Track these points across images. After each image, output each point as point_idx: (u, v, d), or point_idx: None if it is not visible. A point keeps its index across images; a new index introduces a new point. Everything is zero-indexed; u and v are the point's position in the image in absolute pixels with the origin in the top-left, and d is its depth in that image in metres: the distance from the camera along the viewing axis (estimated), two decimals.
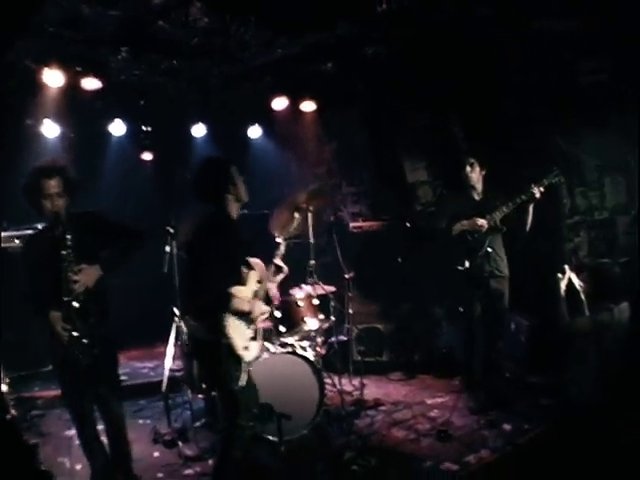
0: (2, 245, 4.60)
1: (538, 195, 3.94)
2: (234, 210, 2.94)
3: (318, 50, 4.80)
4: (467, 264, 4.02)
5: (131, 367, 5.55)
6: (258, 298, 3.00)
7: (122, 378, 5.10)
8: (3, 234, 4.71)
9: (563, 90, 4.50)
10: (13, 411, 3.35)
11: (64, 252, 2.95)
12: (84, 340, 2.92)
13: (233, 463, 2.89)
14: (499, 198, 4.17)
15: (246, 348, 2.84)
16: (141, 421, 4.43)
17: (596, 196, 4.71)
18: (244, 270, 2.94)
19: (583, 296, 3.76)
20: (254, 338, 2.95)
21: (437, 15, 4.08)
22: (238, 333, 2.82)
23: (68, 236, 2.96)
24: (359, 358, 4.75)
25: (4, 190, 3.71)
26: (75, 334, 2.92)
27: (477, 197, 4.31)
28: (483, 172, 4.28)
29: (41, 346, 3.29)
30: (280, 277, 3.17)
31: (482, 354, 4.21)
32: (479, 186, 4.30)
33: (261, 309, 2.97)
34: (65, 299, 2.93)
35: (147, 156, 5.66)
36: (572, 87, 4.45)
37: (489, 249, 4.10)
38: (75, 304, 2.94)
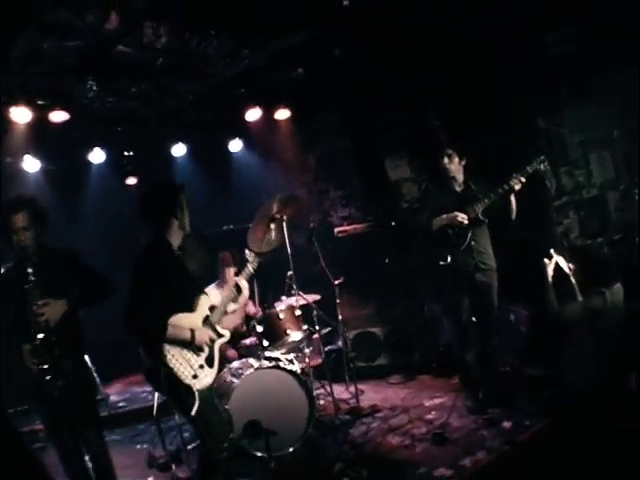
0: None
1: (519, 186, 3.78)
2: (175, 238, 2.88)
3: (286, 57, 4.74)
4: (449, 259, 3.89)
5: (131, 392, 5.56)
6: (213, 323, 2.92)
7: (121, 404, 5.22)
8: None
9: (536, 67, 4.33)
10: None
11: (28, 286, 2.95)
12: (52, 373, 2.92)
13: None
14: (482, 188, 4.02)
15: (195, 376, 2.73)
16: (138, 446, 4.43)
17: (582, 174, 4.52)
18: (196, 296, 2.88)
19: (574, 280, 3.60)
20: (207, 365, 2.83)
21: (396, 6, 3.98)
22: (183, 362, 2.73)
23: (31, 270, 2.96)
24: (353, 364, 4.62)
25: None
26: (44, 367, 2.92)
27: (458, 188, 4.16)
28: (463, 162, 4.13)
29: None
30: (242, 298, 3.09)
31: (477, 350, 4.05)
32: (460, 177, 4.15)
33: (212, 335, 2.86)
34: (33, 332, 2.93)
35: (131, 181, 5.68)
36: (545, 62, 4.29)
37: (472, 242, 3.95)
38: (42, 337, 2.93)
